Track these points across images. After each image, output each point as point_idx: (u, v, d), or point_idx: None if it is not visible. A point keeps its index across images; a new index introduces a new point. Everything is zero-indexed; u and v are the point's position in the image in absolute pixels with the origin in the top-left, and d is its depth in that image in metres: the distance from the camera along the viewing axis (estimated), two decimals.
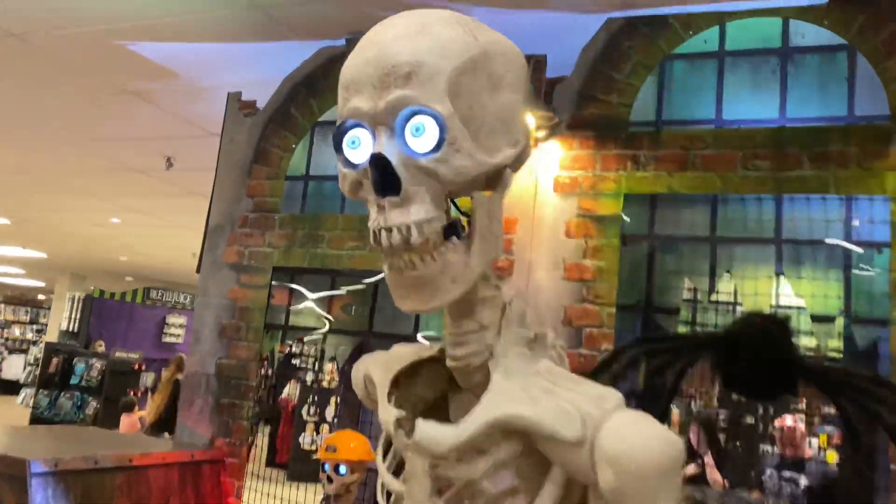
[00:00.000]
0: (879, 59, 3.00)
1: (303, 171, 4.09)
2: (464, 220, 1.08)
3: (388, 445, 1.30)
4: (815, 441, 4.34)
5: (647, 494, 0.92)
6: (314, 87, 4.06)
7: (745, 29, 3.23)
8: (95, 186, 8.18)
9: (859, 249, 2.97)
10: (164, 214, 9.37)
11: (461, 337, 1.12)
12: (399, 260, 1.01)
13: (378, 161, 1.00)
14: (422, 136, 0.99)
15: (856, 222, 2.97)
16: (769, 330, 2.36)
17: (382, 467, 1.24)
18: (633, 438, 0.94)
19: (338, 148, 1.06)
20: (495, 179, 1.09)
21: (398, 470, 1.26)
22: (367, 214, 3.63)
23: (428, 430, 1.04)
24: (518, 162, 1.12)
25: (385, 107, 1.00)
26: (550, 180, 3.37)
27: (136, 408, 8.64)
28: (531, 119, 3.31)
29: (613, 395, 1.02)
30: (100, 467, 2.96)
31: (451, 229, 1.04)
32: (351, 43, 3.84)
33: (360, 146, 1.04)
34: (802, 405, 4.50)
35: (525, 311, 1.16)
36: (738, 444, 4.43)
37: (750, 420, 4.58)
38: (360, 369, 1.36)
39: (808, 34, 3.13)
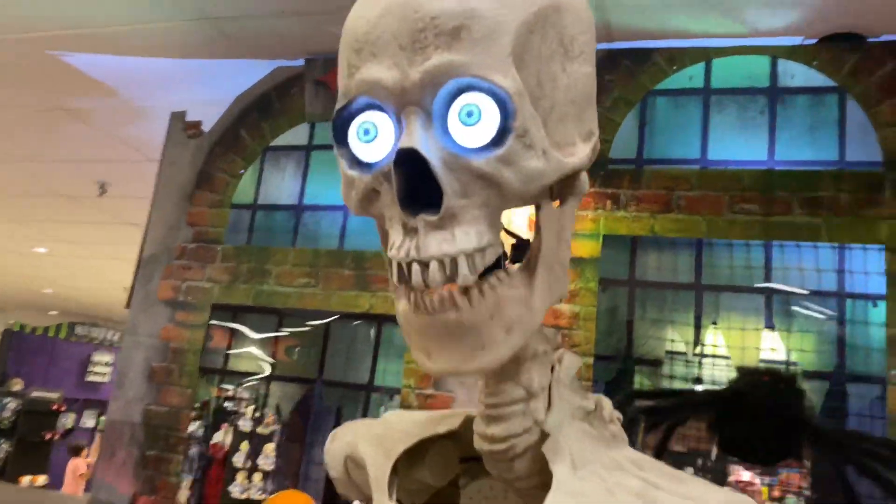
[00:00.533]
0: (870, 103, 2.88)
1: (251, 200, 3.74)
2: (506, 239, 0.76)
3: None
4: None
5: None
6: (267, 108, 3.75)
7: (732, 66, 3.08)
8: (20, 212, 7.63)
9: (852, 302, 2.79)
10: (94, 245, 8.82)
11: (502, 409, 0.77)
12: (430, 296, 0.68)
13: (409, 160, 0.67)
14: (476, 125, 0.66)
15: (849, 273, 2.80)
16: (778, 389, 2.14)
17: None
18: None
19: (340, 139, 0.73)
20: (568, 184, 0.75)
21: None
22: (319, 249, 3.19)
23: None
24: (591, 160, 0.79)
25: (421, 78, 0.67)
26: (525, 219, 3.12)
27: (85, 452, 8.04)
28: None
29: (742, 499, 0.72)
30: None
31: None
32: (310, 63, 3.57)
33: (376, 138, 0.71)
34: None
35: (579, 368, 0.85)
36: None
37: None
38: (340, 444, 0.98)
39: (797, 74, 3.00)
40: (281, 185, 3.72)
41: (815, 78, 2.96)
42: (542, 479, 0.79)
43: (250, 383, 3.74)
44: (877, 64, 2.89)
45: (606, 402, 0.85)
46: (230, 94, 3.86)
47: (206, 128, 3.91)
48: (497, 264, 0.71)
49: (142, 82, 4.18)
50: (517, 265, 0.73)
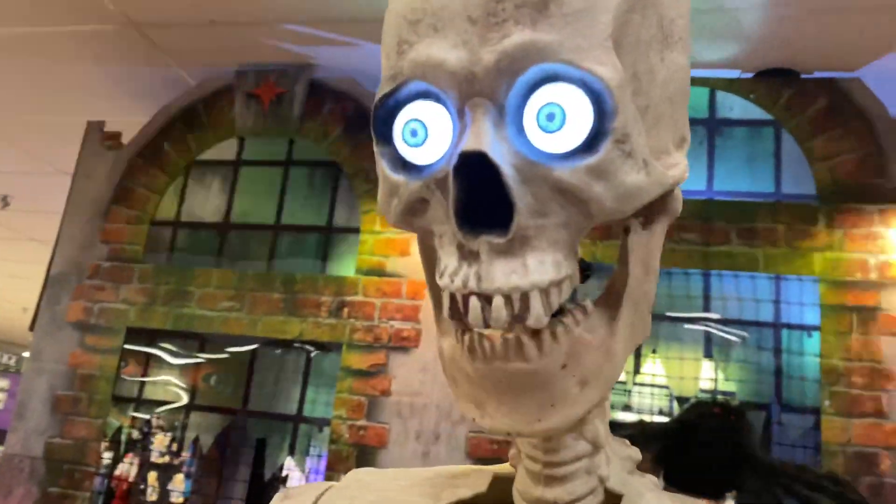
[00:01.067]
0: (804, 137, 2.94)
1: (172, 216, 3.52)
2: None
3: None
4: None
5: None
6: (193, 121, 3.55)
7: None
8: None
9: (788, 332, 2.82)
10: None
11: (566, 468, 0.64)
12: (491, 340, 0.54)
13: (473, 166, 0.52)
14: (562, 129, 0.52)
15: (785, 303, 2.83)
16: (728, 422, 2.11)
17: None
18: None
19: (383, 134, 0.59)
20: (653, 204, 0.60)
21: None
22: (245, 271, 3.00)
23: None
24: (687, 174, 0.65)
25: (496, 62, 0.53)
26: None
27: None
28: None
29: None
30: None
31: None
32: (240, 75, 3.41)
33: (428, 137, 0.57)
34: None
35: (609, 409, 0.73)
36: None
37: None
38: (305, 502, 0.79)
39: (735, 107, 3.04)
40: (206, 202, 3.51)
41: (753, 111, 3.02)
42: None
43: (166, 412, 3.49)
44: (810, 99, 2.97)
45: (636, 454, 0.75)
46: (153, 105, 3.64)
47: (126, 139, 3.66)
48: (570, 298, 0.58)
49: (55, 88, 3.90)
50: (591, 301, 0.59)
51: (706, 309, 2.88)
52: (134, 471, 9.41)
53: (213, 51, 3.40)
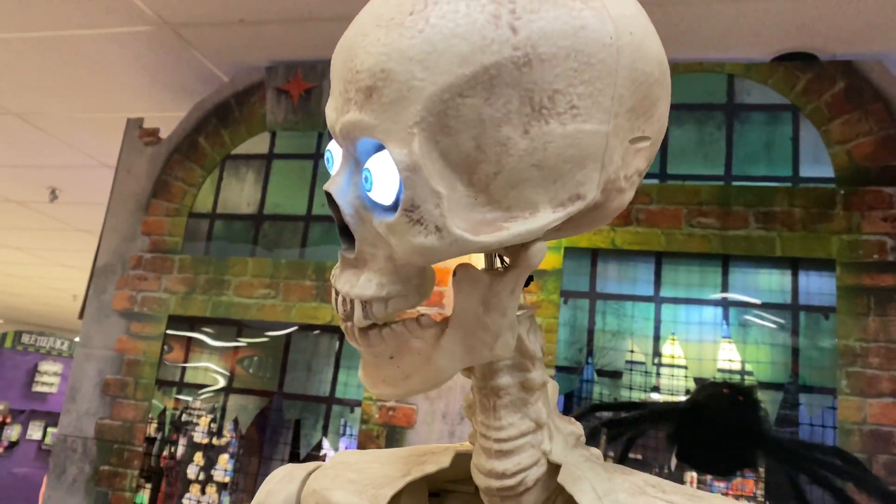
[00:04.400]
0: (822, 121, 2.96)
1: (209, 209, 3.68)
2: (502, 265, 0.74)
3: None
4: None
5: None
6: (227, 116, 3.70)
7: (690, 83, 3.14)
8: None
9: (805, 314, 2.86)
10: (44, 251, 8.57)
11: (512, 443, 0.75)
12: (345, 328, 0.72)
13: (329, 199, 0.69)
14: (371, 189, 0.64)
15: (802, 286, 2.87)
16: (736, 401, 2.19)
17: None
18: None
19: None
20: (519, 253, 0.69)
21: None
22: (279, 260, 3.14)
23: None
24: (578, 226, 0.71)
25: (340, 130, 0.67)
26: None
27: None
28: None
29: None
30: None
31: None
32: (271, 71, 3.53)
33: (332, 163, 0.72)
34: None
35: (556, 392, 0.84)
36: None
37: None
38: (291, 490, 0.93)
39: (753, 92, 3.07)
40: (241, 194, 3.66)
41: (771, 96, 3.04)
42: None
43: (211, 396, 3.67)
44: (828, 83, 2.98)
45: (578, 429, 0.85)
46: (189, 102, 3.79)
47: (163, 135, 3.83)
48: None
49: (97, 87, 4.08)
50: (431, 319, 0.71)
51: (724, 292, 2.93)
52: (181, 451, 9.80)
53: (243, 48, 3.53)
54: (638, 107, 0.68)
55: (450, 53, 0.60)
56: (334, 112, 0.68)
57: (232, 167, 3.70)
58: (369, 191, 0.64)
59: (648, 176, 3.10)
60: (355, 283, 0.68)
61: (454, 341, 0.69)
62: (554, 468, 0.77)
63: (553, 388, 0.81)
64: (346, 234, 0.68)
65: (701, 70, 3.12)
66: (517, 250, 0.68)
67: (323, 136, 3.58)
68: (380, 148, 0.63)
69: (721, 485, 3.70)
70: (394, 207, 0.63)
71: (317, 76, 3.51)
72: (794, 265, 2.90)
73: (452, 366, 0.70)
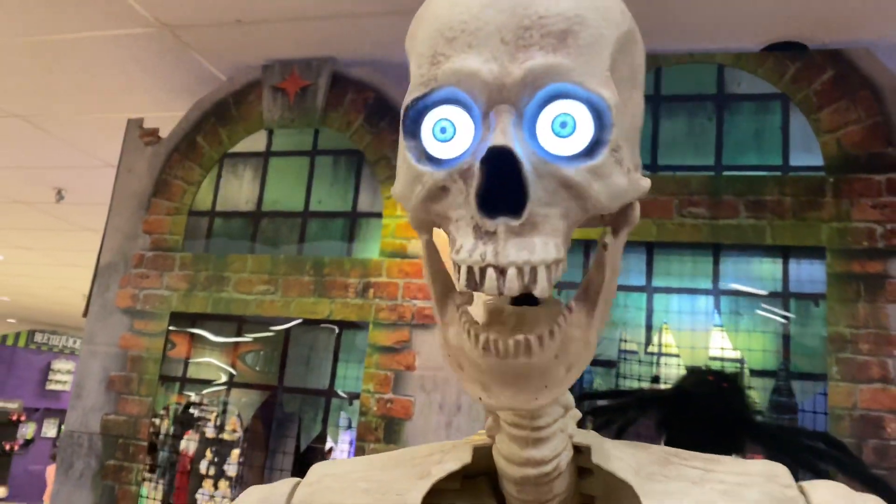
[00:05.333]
0: (811, 110, 2.98)
1: (209, 206, 3.73)
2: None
3: None
4: None
5: None
6: (224, 115, 3.75)
7: (681, 74, 3.16)
8: None
9: (795, 302, 2.89)
10: (52, 251, 8.67)
11: (547, 430, 0.74)
12: (505, 341, 0.64)
13: (496, 160, 0.62)
14: (571, 136, 0.64)
15: (793, 274, 2.90)
16: (721, 387, 2.22)
17: None
18: None
19: (413, 130, 0.69)
20: (618, 215, 0.72)
21: None
22: (277, 256, 3.21)
23: None
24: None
25: (523, 76, 0.63)
26: None
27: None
28: None
29: (782, 469, 0.80)
30: None
31: None
32: (267, 70, 3.58)
33: (455, 135, 0.67)
34: None
35: None
36: None
37: None
38: (279, 500, 0.87)
39: (743, 82, 3.09)
40: (239, 192, 3.72)
41: (760, 85, 3.06)
42: (567, 494, 0.81)
43: (213, 392, 3.73)
44: (817, 72, 3.00)
45: (578, 413, 0.87)
46: (187, 101, 3.85)
47: (163, 134, 3.89)
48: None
49: (98, 88, 4.14)
50: (573, 301, 0.69)
51: (715, 281, 2.96)
52: (193, 446, 9.88)
53: (240, 48, 3.58)
54: None
55: (614, 12, 0.68)
56: (492, 64, 0.64)
57: (230, 165, 3.75)
58: (566, 136, 0.63)
59: None
60: (534, 249, 0.62)
61: (601, 315, 0.70)
62: (578, 451, 0.79)
63: None
64: (500, 203, 0.62)
65: (691, 61, 3.14)
66: (627, 208, 0.71)
67: (319, 132, 3.63)
68: (561, 96, 0.63)
69: None
70: (590, 153, 0.64)
71: (312, 74, 3.56)
72: (785, 253, 2.93)
73: (597, 341, 0.70)
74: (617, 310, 3.04)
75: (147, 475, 3.55)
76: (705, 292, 2.97)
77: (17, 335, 15.65)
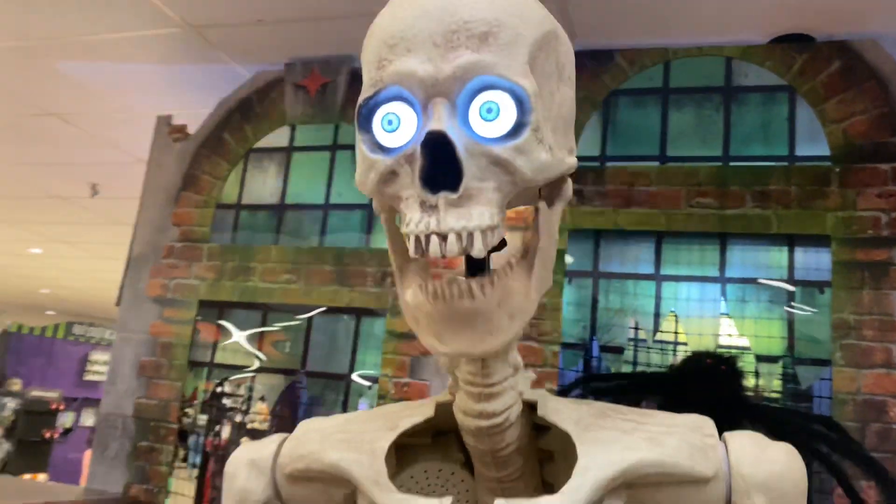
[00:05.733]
0: (818, 100, 3.03)
1: (235, 200, 3.89)
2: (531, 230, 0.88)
3: None
4: None
5: None
6: (249, 112, 3.89)
7: (689, 67, 3.23)
8: (15, 214, 7.75)
9: (801, 289, 2.95)
10: (88, 245, 8.95)
11: (498, 386, 0.86)
12: (450, 287, 0.76)
13: (434, 144, 0.73)
14: (496, 119, 0.75)
15: (798, 262, 2.95)
16: (717, 370, 2.30)
17: None
18: (774, 460, 0.90)
19: (365, 126, 0.81)
20: (557, 188, 0.87)
21: None
22: (300, 247, 3.38)
23: None
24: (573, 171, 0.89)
25: (452, 72, 0.75)
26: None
27: None
28: None
29: (707, 421, 0.93)
30: None
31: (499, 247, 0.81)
32: (289, 68, 3.71)
33: (399, 126, 0.79)
34: None
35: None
36: None
37: None
38: (266, 456, 1.01)
39: (750, 74, 3.15)
40: (263, 186, 3.86)
41: (767, 77, 3.11)
42: (519, 443, 0.93)
43: (240, 377, 3.89)
44: (823, 63, 3.05)
45: (532, 374, 1.00)
46: (213, 99, 4.00)
47: (191, 131, 4.05)
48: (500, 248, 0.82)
49: (129, 87, 4.31)
50: (514, 259, 0.81)
51: (722, 269, 3.03)
52: (226, 435, 10.09)
53: (263, 47, 3.72)
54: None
55: (533, 15, 0.81)
56: (427, 64, 0.76)
57: (255, 160, 3.90)
58: (492, 120, 0.75)
59: (649, 159, 3.21)
60: (470, 217, 0.73)
61: (539, 274, 0.83)
62: (528, 406, 0.92)
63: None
64: (439, 179, 0.73)
65: (699, 54, 3.21)
66: (559, 184, 0.86)
67: (339, 128, 3.76)
68: (487, 87, 0.75)
69: None
70: (513, 134, 0.75)
71: (332, 71, 3.68)
72: (791, 242, 2.98)
73: (538, 296, 0.83)
74: (627, 297, 3.13)
75: (179, 464, 3.71)
76: (712, 280, 3.04)
77: (56, 327, 16.10)
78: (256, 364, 3.80)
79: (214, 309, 3.79)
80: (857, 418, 2.71)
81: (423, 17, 0.77)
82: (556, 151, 0.80)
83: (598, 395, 2.44)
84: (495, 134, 0.76)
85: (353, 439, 0.96)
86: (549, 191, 0.86)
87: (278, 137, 3.85)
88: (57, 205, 7.05)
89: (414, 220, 0.75)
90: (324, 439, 0.99)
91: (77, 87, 4.34)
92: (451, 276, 0.79)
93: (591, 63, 3.30)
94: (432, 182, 0.73)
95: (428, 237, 0.74)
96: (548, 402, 0.93)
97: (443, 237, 0.73)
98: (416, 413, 0.98)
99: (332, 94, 3.67)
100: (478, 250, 0.73)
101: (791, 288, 2.94)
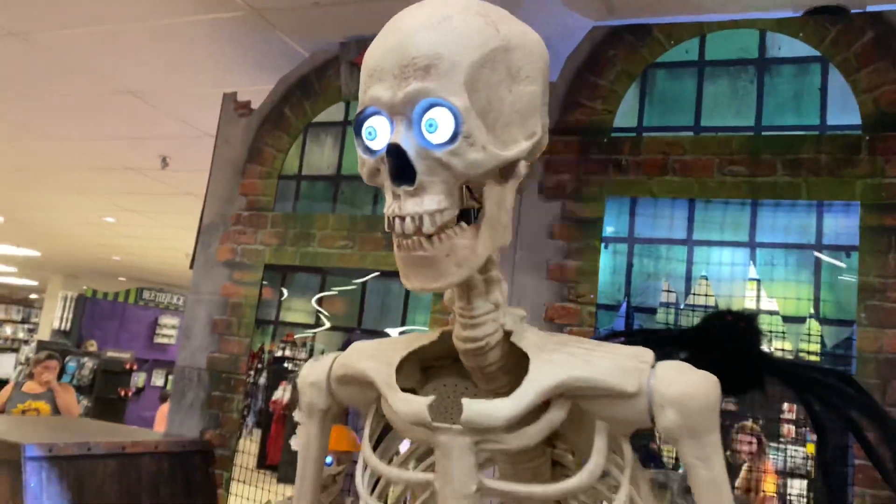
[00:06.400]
0: (850, 71, 3.12)
1: (295, 171, 4.18)
2: (477, 205, 1.12)
3: (379, 435, 1.34)
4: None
5: (704, 425, 1.11)
6: (307, 89, 4.16)
7: (724, 40, 3.35)
8: (90, 185, 8.26)
9: (829, 254, 3.08)
10: (158, 214, 9.45)
11: (480, 318, 1.15)
12: (408, 240, 1.03)
13: (394, 150, 1.01)
14: (436, 131, 1.00)
15: (826, 227, 3.08)
16: (736, 327, 2.48)
17: (374, 459, 1.27)
18: (687, 382, 1.12)
19: (357, 134, 1.09)
20: (509, 169, 1.10)
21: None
22: (355, 215, 3.76)
23: (478, 407, 1.11)
24: (533, 153, 1.14)
25: (403, 98, 1.01)
26: (536, 183, 3.48)
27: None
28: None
29: (647, 351, 1.17)
30: (93, 454, 3.06)
31: (464, 215, 1.08)
32: (344, 47, 3.96)
33: (377, 135, 1.06)
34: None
35: (505, 288, 1.24)
36: None
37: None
38: (324, 368, 1.37)
39: (784, 46, 3.25)
40: (321, 158, 4.15)
41: (801, 48, 3.21)
42: (504, 363, 1.22)
43: (303, 335, 4.22)
44: (857, 34, 3.13)
45: (523, 312, 1.27)
46: (274, 77, 4.28)
47: (254, 107, 4.34)
48: (469, 221, 1.09)
49: (197, 66, 4.63)
50: (466, 224, 1.09)
51: (752, 235, 3.18)
52: (287, 396, 10.57)
53: (319, 27, 3.96)
54: (547, 82, 1.17)
55: (474, 41, 1.03)
56: (388, 91, 1.02)
57: (313, 134, 4.18)
58: (432, 132, 1.01)
59: (683, 129, 3.35)
60: (422, 204, 1.00)
61: (487, 234, 1.09)
62: (507, 335, 1.19)
63: (505, 287, 1.22)
64: (401, 176, 1.01)
65: (734, 27, 3.32)
66: (511, 168, 1.11)
67: None
68: (433, 105, 1.01)
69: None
70: (451, 140, 1.01)
71: None
72: (819, 208, 3.11)
73: (486, 252, 1.10)
74: (660, 262, 3.31)
75: (244, 421, 4.06)
76: (742, 245, 3.19)
77: (128, 292, 16.96)
78: (316, 323, 4.12)
79: (278, 272, 4.11)
80: (878, 376, 2.85)
81: (387, 54, 1.03)
82: (490, 149, 1.05)
83: None
84: (438, 141, 1.01)
85: (378, 355, 1.28)
86: (504, 171, 1.10)
87: (334, 113, 4.11)
88: (130, 176, 7.50)
89: (388, 204, 1.05)
90: (360, 354, 1.33)
91: (150, 66, 4.68)
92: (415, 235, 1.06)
93: (629, 37, 3.45)
94: (399, 176, 1.01)
95: (393, 218, 1.03)
96: (524, 332, 1.19)
97: (402, 218, 1.02)
98: (424, 339, 1.29)
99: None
100: (426, 228, 1.01)
101: (818, 252, 3.08)
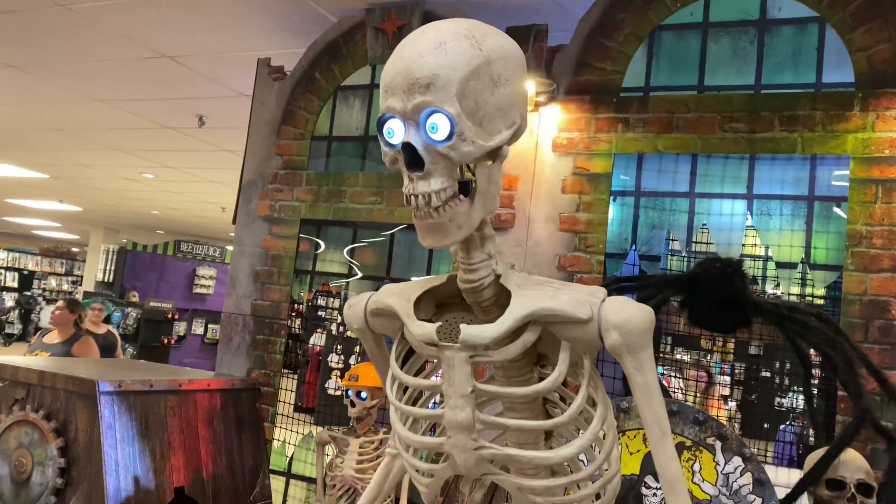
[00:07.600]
0: (846, 30, 3.30)
1: (327, 132, 4.48)
2: (474, 178, 1.46)
3: (405, 356, 1.71)
4: None
5: (640, 343, 1.45)
6: (336, 54, 4.43)
7: (727, 2, 3.53)
8: (130, 143, 8.62)
9: (820, 204, 3.31)
10: (194, 170, 9.81)
11: (476, 265, 1.51)
12: (421, 212, 1.38)
13: (407, 147, 1.35)
14: (437, 131, 1.34)
15: (819, 179, 3.31)
16: (724, 271, 2.75)
17: (399, 371, 1.64)
18: (627, 311, 1.46)
19: (380, 132, 1.42)
20: (496, 152, 1.45)
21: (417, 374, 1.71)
22: (382, 173, 4.16)
23: (472, 330, 1.47)
24: (514, 138, 1.48)
25: (411, 108, 1.33)
26: (549, 141, 3.74)
27: None
28: (532, 88, 3.66)
29: (601, 289, 1.52)
30: (155, 390, 3.46)
31: (464, 187, 1.41)
32: (370, 13, 4.20)
33: (394, 134, 1.38)
34: None
35: (500, 245, 1.58)
36: None
37: None
38: (360, 306, 1.77)
39: (784, 7, 3.43)
40: (350, 119, 4.44)
41: (800, 9, 3.39)
42: (497, 299, 1.58)
43: (337, 284, 4.57)
44: None
45: (513, 261, 1.59)
46: (305, 42, 4.54)
47: (287, 71, 4.62)
48: (466, 193, 1.43)
49: (232, 32, 4.90)
50: (464, 196, 1.42)
51: (750, 187, 3.42)
52: (322, 342, 11.01)
53: None
54: (523, 79, 1.51)
55: (462, 60, 1.37)
56: (400, 102, 1.37)
57: (343, 97, 4.46)
58: (434, 132, 1.35)
59: (687, 88, 3.58)
60: (430, 185, 1.35)
61: (480, 203, 1.45)
62: (498, 277, 1.53)
63: (499, 240, 1.56)
64: (413, 165, 1.36)
65: None
66: (497, 152, 1.47)
67: None
68: (433, 112, 1.35)
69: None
70: (448, 138, 1.36)
71: (407, 15, 4.15)
72: (813, 161, 3.34)
73: (479, 216, 1.46)
74: (664, 213, 3.57)
75: (283, 370, 4.44)
76: (741, 196, 3.44)
77: (166, 245, 17.53)
78: (349, 272, 4.47)
79: (314, 226, 4.45)
80: (862, 316, 3.11)
81: (396, 76, 1.36)
82: (478, 142, 1.39)
83: (623, 293, 2.92)
84: (438, 139, 1.36)
85: (402, 293, 1.66)
86: (492, 154, 1.45)
87: (361, 76, 4.38)
88: (168, 135, 7.85)
89: (405, 185, 1.39)
90: (389, 292, 1.71)
91: (186, 31, 4.96)
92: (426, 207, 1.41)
93: (637, 0, 3.64)
94: (412, 165, 1.36)
95: (409, 196, 1.38)
96: (510, 276, 1.53)
97: (415, 196, 1.36)
98: (436, 280, 1.66)
99: (407, 35, 4.14)
100: (434, 202, 1.36)
101: (810, 202, 3.32)
